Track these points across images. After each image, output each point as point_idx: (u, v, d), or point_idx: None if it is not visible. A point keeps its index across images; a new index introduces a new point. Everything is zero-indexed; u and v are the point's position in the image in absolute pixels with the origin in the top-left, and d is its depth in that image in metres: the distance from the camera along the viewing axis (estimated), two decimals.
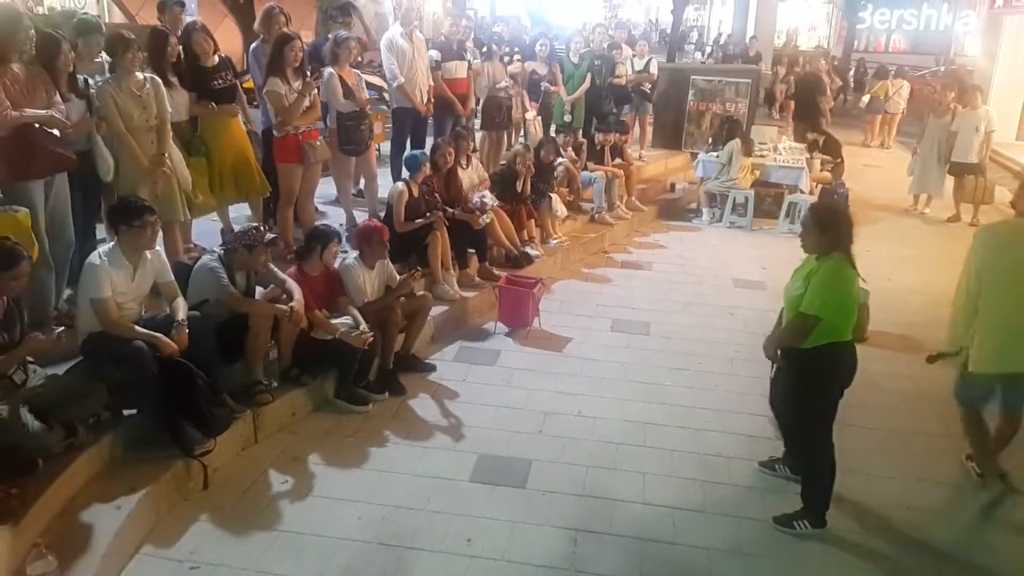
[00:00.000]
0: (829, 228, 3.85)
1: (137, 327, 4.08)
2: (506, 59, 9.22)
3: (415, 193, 6.36)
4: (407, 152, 7.12)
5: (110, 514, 3.62)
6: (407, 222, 6.25)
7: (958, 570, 3.85)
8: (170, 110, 5.28)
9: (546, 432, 4.85)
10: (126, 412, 4.17)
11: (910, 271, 8.28)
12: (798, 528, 4.01)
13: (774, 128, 12.55)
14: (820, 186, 10.24)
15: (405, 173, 6.51)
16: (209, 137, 5.91)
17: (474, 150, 8.04)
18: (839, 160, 10.76)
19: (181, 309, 4.26)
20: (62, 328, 3.89)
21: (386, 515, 3.98)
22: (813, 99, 12.66)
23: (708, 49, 22.60)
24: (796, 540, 3.96)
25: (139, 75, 5.07)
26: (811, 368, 3.88)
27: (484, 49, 9.40)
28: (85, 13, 8.25)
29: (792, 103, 14.99)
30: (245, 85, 6.76)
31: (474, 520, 3.97)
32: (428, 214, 6.35)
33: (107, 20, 11.93)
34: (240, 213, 6.86)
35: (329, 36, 7.00)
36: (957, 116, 10.18)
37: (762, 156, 10.44)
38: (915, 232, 9.99)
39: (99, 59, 5.39)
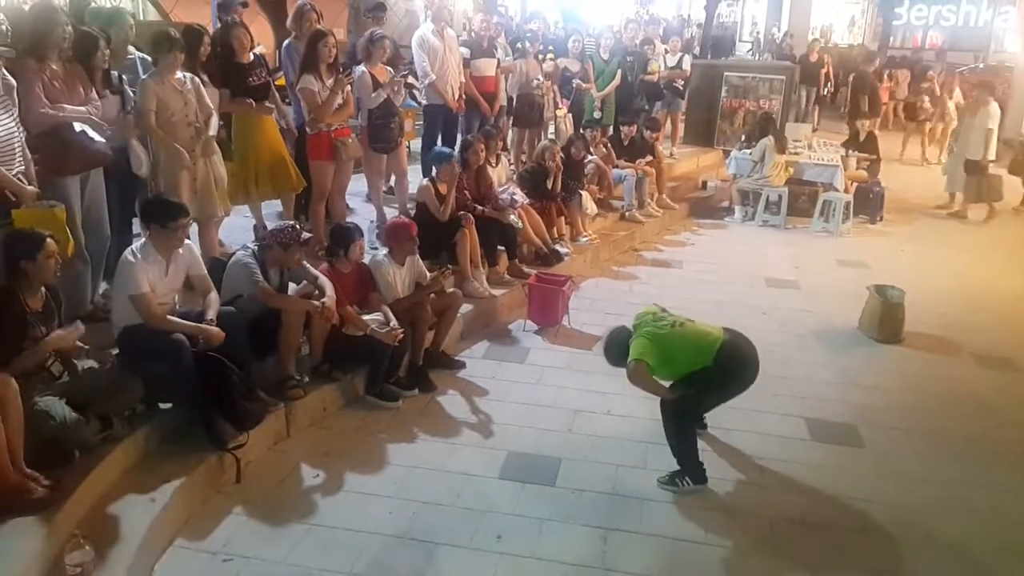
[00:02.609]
0: None
1: (179, 320, 4.14)
2: (540, 56, 9.22)
3: (442, 190, 6.37)
4: (435, 148, 7.16)
5: (145, 506, 3.67)
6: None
7: None
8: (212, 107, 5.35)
9: (576, 430, 4.84)
10: (161, 405, 4.24)
11: (947, 272, 8.15)
12: (682, 486, 4.22)
13: (808, 125, 12.42)
14: (856, 184, 10.11)
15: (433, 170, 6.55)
16: (244, 134, 5.98)
17: (504, 148, 8.04)
18: (876, 158, 10.63)
19: (213, 304, 4.31)
20: (77, 321, 3.93)
21: (416, 510, 4.00)
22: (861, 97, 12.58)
23: (749, 48, 22.03)
24: (828, 543, 3.91)
25: (179, 74, 5.15)
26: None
27: (519, 46, 9.41)
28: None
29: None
30: (277, 83, 6.83)
31: (503, 517, 3.98)
32: (460, 213, 6.38)
33: (142, 17, 12.09)
34: (271, 209, 6.93)
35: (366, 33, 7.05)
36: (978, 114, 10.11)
37: (796, 154, 10.34)
38: (952, 232, 9.83)
39: (131, 56, 5.46)
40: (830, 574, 3.74)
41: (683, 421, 4.30)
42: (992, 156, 10.09)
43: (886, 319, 6.36)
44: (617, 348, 4.33)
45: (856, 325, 6.55)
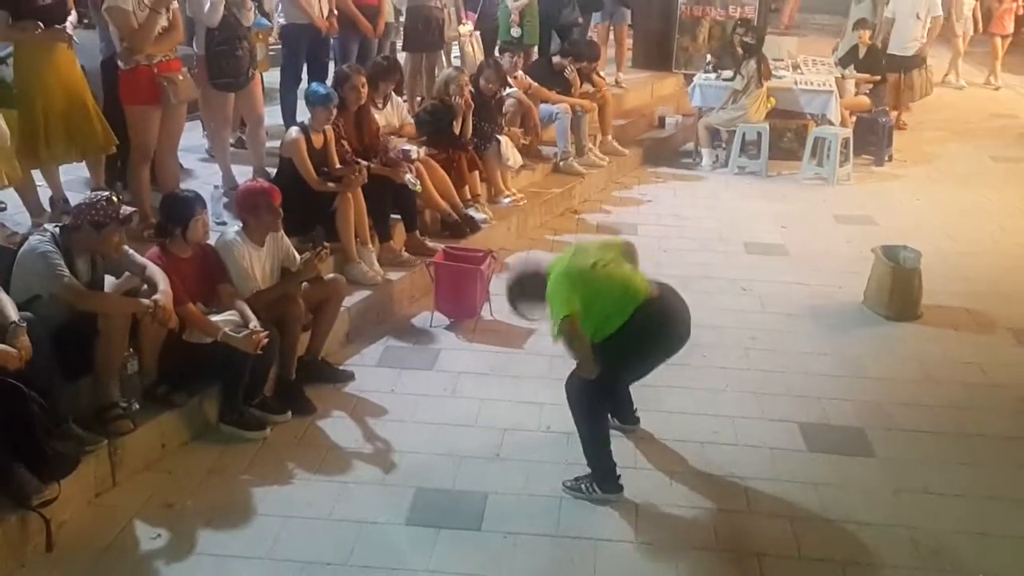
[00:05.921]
0: None
1: None
2: None
3: (316, 143, 6.35)
4: (308, 85, 7.11)
5: None
6: (321, 180, 6.30)
7: None
8: None
9: (505, 455, 4.95)
10: None
11: (975, 223, 8.55)
12: (589, 492, 4.52)
13: (792, 38, 12.69)
14: (855, 115, 10.38)
15: (304, 115, 6.52)
16: (30, 73, 5.86)
17: (398, 88, 8.03)
18: (881, 79, 10.84)
19: (9, 308, 4.23)
20: None
21: (295, 574, 4.04)
22: None
23: None
24: None
25: None
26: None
27: None
28: None
29: None
30: None
31: (414, 575, 4.06)
32: (340, 166, 6.38)
33: None
34: (74, 176, 6.79)
35: None
36: None
37: (779, 77, 10.46)
38: (982, 171, 10.24)
39: None
40: None
41: (596, 403, 4.50)
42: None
43: (898, 290, 6.62)
44: (530, 286, 4.52)
45: (861, 299, 6.84)
